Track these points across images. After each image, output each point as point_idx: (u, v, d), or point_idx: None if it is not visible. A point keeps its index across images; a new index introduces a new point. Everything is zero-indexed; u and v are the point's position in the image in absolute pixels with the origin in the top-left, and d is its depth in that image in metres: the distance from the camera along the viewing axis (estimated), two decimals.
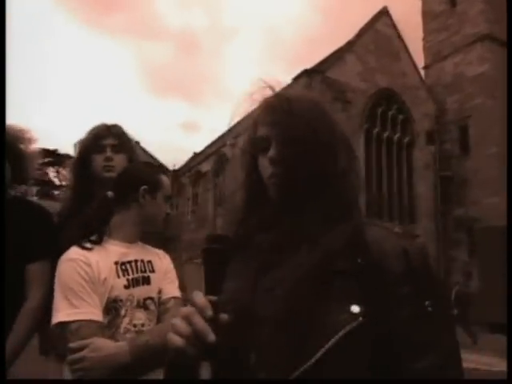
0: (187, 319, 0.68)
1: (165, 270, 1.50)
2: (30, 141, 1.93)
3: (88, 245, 1.39)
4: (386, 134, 19.84)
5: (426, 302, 0.70)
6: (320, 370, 0.66)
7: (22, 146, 1.86)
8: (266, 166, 0.84)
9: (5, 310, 1.63)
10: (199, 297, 0.70)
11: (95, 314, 1.30)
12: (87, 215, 1.50)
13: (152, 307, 1.42)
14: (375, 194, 18.05)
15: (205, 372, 0.67)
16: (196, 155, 30.82)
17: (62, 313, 1.28)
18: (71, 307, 1.28)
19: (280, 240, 0.78)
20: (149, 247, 1.52)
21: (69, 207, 1.90)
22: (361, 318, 0.67)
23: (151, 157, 28.74)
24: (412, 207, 19.79)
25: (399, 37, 20.62)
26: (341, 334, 0.66)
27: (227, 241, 0.75)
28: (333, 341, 0.66)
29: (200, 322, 0.67)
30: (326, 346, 0.66)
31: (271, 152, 0.83)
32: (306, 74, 17.74)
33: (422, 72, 21.59)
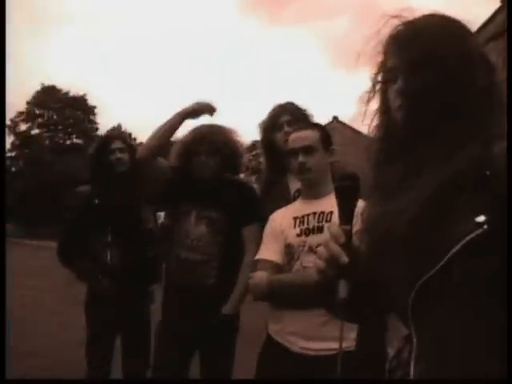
0: (325, 246, 0.82)
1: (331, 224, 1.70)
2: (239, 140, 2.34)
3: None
4: None
5: None
6: (446, 276, 0.70)
7: (230, 144, 2.26)
8: (394, 98, 0.84)
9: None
10: (334, 227, 0.84)
11: (269, 255, 1.72)
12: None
13: None
14: None
15: (342, 289, 0.79)
16: None
17: (257, 254, 1.79)
18: (259, 250, 1.78)
19: (408, 168, 0.81)
20: None
21: (267, 181, 2.25)
22: (485, 226, 0.68)
23: (352, 129, 29.12)
24: None
25: None
26: (465, 240, 0.68)
27: (356, 178, 0.86)
28: (457, 247, 0.69)
29: (334, 247, 0.80)
30: (451, 252, 0.69)
31: (398, 84, 0.82)
32: None
33: None
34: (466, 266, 0.69)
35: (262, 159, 2.43)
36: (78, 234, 2.46)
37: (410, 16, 0.85)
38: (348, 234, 0.81)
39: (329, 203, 1.69)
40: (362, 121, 0.94)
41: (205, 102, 2.20)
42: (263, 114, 2.21)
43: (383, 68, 0.87)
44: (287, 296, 1.65)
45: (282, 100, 2.20)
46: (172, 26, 78.94)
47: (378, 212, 0.85)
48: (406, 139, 0.83)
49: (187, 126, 2.32)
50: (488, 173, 0.71)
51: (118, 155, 2.54)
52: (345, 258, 0.79)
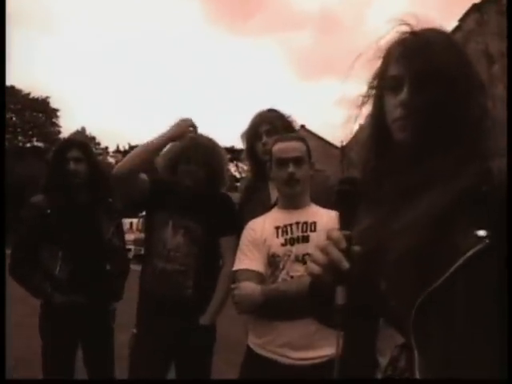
0: (324, 250, 0.78)
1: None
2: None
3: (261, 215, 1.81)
4: None
5: None
6: (449, 289, 0.70)
7: (219, 158, 2.22)
8: (393, 108, 0.82)
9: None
10: (335, 231, 0.80)
11: (252, 265, 1.67)
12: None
13: None
14: None
15: (340, 295, 0.77)
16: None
17: (235, 264, 1.73)
18: (238, 260, 1.72)
19: (409, 184, 0.79)
20: (321, 210, 1.74)
21: (249, 187, 2.22)
22: (487, 241, 0.68)
23: (319, 138, 29.62)
24: None
25: None
26: (467, 256, 0.68)
27: (357, 183, 0.84)
28: (460, 262, 0.69)
29: (335, 252, 0.77)
30: (454, 266, 0.69)
31: (403, 94, 0.80)
32: (476, 8, 15.26)
33: None
34: (469, 278, 0.69)
35: (245, 166, 2.39)
36: (29, 247, 2.26)
37: (416, 24, 0.83)
38: (348, 240, 0.79)
39: (310, 213, 1.72)
40: (354, 123, 0.92)
41: (187, 120, 2.09)
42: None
43: (383, 74, 0.85)
44: (282, 306, 1.58)
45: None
46: (138, 32, 78.39)
47: (369, 224, 0.83)
48: (404, 153, 0.81)
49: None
50: (484, 188, 0.72)
51: (73, 166, 2.28)
52: (345, 264, 0.76)
